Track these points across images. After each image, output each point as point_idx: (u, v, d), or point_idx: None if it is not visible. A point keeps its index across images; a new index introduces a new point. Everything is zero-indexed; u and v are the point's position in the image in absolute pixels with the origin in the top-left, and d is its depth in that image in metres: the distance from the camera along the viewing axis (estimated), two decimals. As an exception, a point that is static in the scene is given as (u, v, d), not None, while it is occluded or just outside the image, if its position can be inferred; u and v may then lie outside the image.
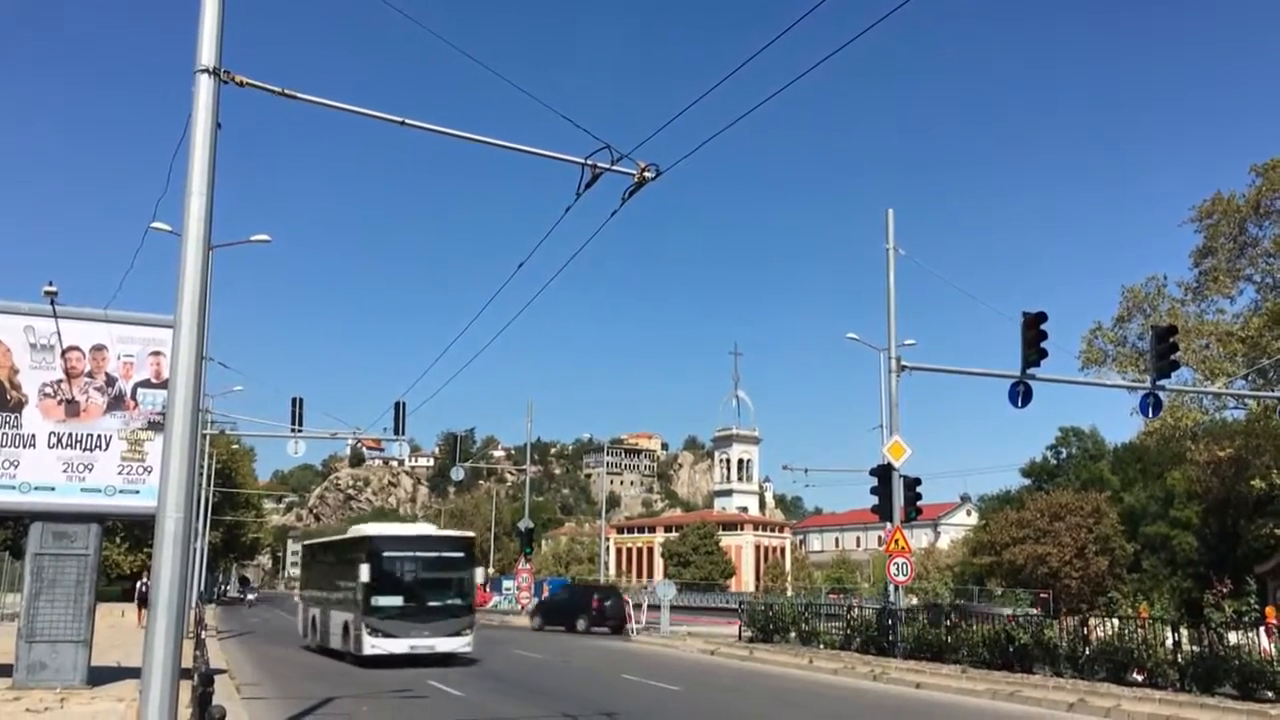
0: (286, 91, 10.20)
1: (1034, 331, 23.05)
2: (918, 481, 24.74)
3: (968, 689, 18.95)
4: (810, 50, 9.97)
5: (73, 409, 16.63)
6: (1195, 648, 17.51)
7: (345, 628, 24.00)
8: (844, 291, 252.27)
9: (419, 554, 24.12)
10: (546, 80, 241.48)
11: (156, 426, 16.12)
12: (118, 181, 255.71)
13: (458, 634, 23.45)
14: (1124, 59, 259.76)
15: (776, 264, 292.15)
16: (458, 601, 23.94)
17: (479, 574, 25.00)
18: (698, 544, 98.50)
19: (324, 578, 27.63)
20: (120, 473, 16.67)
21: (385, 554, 23.52)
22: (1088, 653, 19.14)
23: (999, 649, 20.94)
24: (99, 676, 16.50)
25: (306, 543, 32.87)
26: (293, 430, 35.82)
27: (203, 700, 8.97)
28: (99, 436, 16.68)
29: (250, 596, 77.26)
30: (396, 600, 23.04)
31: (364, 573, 22.77)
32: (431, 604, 23.43)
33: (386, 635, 22.50)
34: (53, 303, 16.38)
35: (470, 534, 29.24)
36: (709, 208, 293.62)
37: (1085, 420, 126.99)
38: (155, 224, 18.90)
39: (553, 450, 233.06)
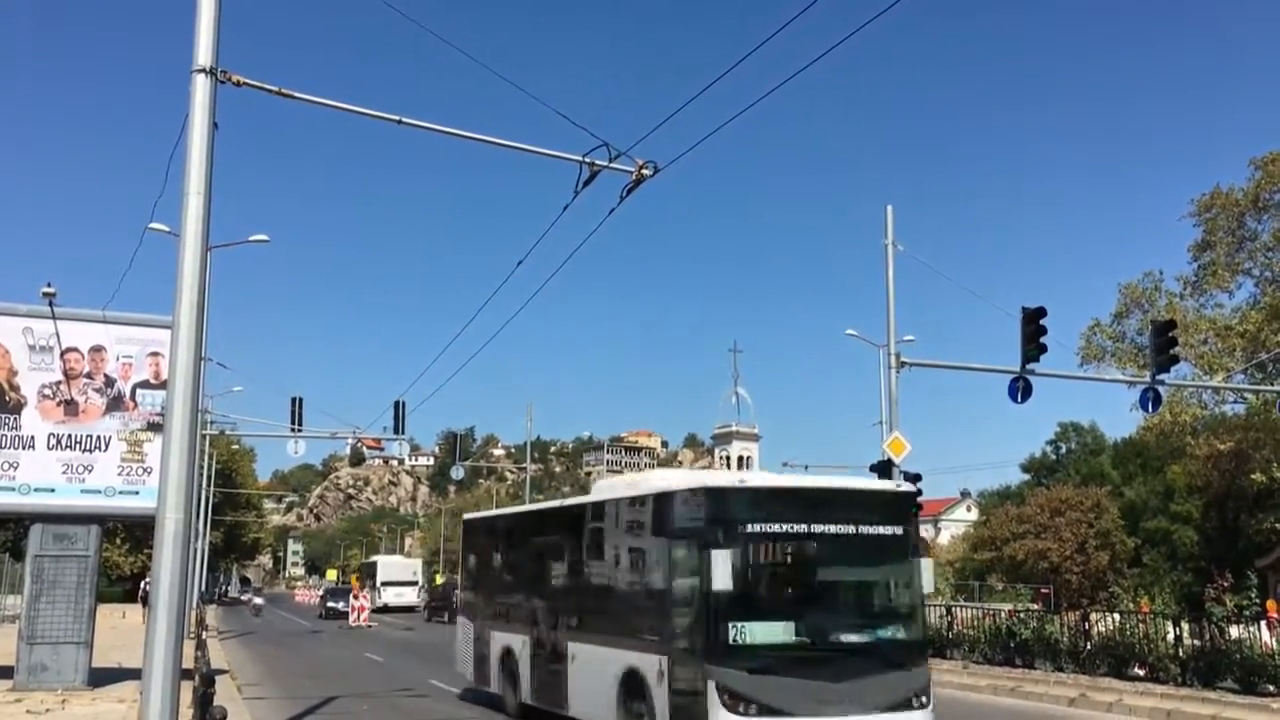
0: (284, 91, 10.19)
1: (1033, 327, 23.02)
2: (918, 477, 24.66)
3: (969, 684, 18.95)
4: (808, 46, 9.96)
5: (72, 410, 16.62)
6: (1196, 642, 17.47)
7: (635, 684, 11.44)
8: (843, 288, 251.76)
9: (825, 530, 10.62)
10: (544, 78, 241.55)
11: (156, 427, 16.10)
12: (117, 181, 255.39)
13: (906, 705, 10.51)
14: (1122, 52, 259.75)
15: (775, 260, 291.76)
16: (900, 635, 11.07)
17: (928, 573, 10.94)
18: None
19: (551, 576, 14.70)
20: (120, 474, 16.66)
21: (763, 529, 10.38)
22: (1089, 648, 19.12)
23: (1000, 644, 20.94)
24: (100, 678, 16.50)
25: (474, 516, 21.04)
26: (292, 430, 35.76)
27: (204, 701, 8.97)
28: (98, 437, 16.68)
29: (258, 600, 70.64)
30: (786, 632, 10.40)
31: (718, 568, 9.83)
32: (852, 639, 10.79)
33: (766, 711, 9.90)
34: (51, 304, 16.38)
35: (911, 489, 12.55)
36: (707, 204, 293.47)
37: (1085, 415, 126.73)
38: (153, 224, 18.82)
39: (553, 449, 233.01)
